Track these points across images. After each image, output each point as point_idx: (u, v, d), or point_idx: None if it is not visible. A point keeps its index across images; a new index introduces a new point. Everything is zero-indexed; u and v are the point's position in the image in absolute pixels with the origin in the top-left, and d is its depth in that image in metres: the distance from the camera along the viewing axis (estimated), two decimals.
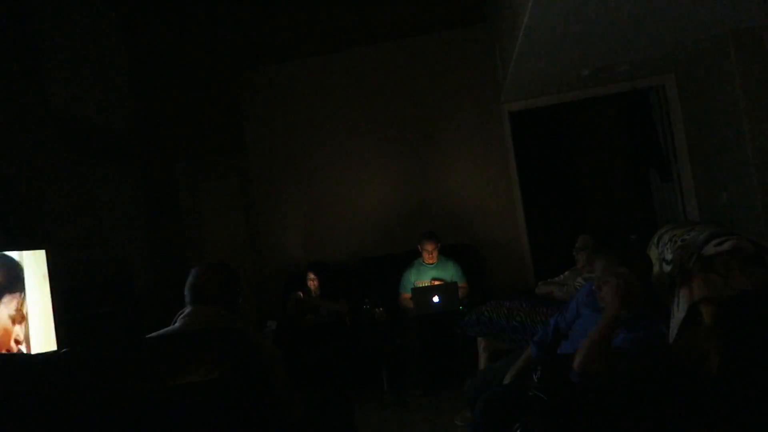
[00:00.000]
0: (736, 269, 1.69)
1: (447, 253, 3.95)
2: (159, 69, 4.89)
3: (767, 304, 1.60)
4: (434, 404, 3.26)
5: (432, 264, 3.84)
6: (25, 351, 2.56)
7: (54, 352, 2.60)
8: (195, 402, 1.23)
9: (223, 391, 1.23)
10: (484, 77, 4.46)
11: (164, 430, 1.25)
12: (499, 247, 4.43)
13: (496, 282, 4.33)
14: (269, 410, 1.40)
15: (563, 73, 3.75)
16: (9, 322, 2.50)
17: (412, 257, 3.96)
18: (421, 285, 3.73)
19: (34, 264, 2.67)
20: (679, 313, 1.79)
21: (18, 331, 2.54)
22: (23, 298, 2.58)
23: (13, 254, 2.59)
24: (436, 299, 3.49)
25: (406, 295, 3.76)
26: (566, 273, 3.20)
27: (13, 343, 2.52)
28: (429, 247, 3.79)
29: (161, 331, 1.60)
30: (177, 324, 1.63)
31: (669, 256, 2.16)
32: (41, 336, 2.67)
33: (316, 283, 3.90)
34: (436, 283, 3.72)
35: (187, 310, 1.66)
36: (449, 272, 3.82)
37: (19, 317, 2.55)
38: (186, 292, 1.70)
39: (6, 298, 2.50)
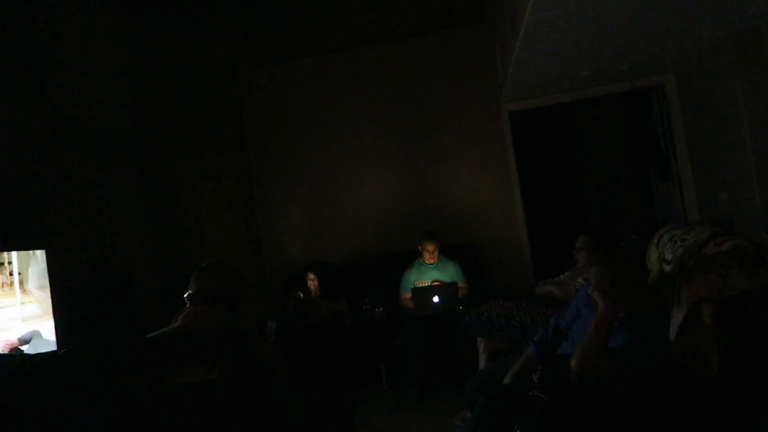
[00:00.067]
0: (736, 269, 1.68)
1: (447, 253, 3.95)
2: (159, 69, 4.89)
3: (767, 304, 1.60)
4: (434, 404, 3.26)
5: (432, 264, 3.84)
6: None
7: (54, 352, 2.60)
8: (195, 402, 1.23)
9: (223, 392, 1.23)
10: (484, 77, 4.45)
11: (164, 430, 1.25)
12: (499, 247, 4.43)
13: (496, 282, 4.33)
14: (269, 410, 1.40)
15: (563, 73, 3.75)
16: None
17: (412, 257, 3.96)
18: (421, 285, 3.73)
19: (33, 264, 2.67)
20: (679, 313, 1.79)
21: None
22: None
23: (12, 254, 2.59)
24: (436, 299, 3.49)
25: (406, 295, 3.76)
26: (566, 273, 3.19)
27: None
28: (429, 246, 3.79)
29: (161, 331, 1.60)
30: (177, 324, 1.63)
31: (669, 256, 2.15)
32: (41, 336, 2.67)
33: (316, 283, 3.90)
34: (436, 283, 3.72)
35: (187, 310, 1.66)
36: (449, 272, 3.82)
37: None
38: (186, 291, 1.70)
39: None
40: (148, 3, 4.66)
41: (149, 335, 1.50)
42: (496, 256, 4.42)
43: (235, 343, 1.34)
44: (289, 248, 4.71)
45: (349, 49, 4.65)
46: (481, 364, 2.94)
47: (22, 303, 2.66)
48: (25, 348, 2.59)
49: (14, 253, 2.63)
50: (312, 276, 3.91)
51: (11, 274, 2.60)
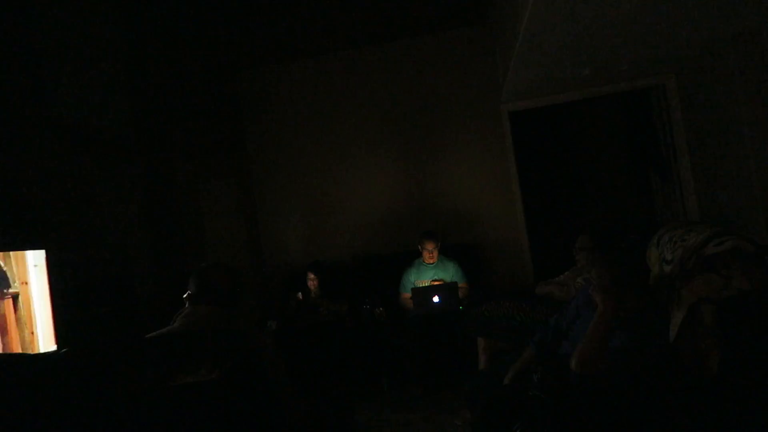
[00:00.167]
0: (736, 269, 1.69)
1: (447, 253, 3.95)
2: (159, 69, 4.89)
3: (767, 304, 1.60)
4: (434, 404, 3.26)
5: (432, 264, 3.84)
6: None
7: (54, 352, 2.60)
8: (195, 402, 1.23)
9: (223, 391, 1.23)
10: (484, 77, 4.46)
11: (164, 430, 1.25)
12: (499, 247, 4.44)
13: (496, 282, 4.33)
14: (269, 410, 1.40)
15: (563, 72, 3.75)
16: None
17: (412, 257, 3.96)
18: (421, 285, 3.74)
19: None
20: (679, 313, 1.79)
21: None
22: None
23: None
24: (436, 299, 3.50)
25: (406, 295, 3.76)
26: (566, 273, 3.20)
27: None
28: (429, 246, 3.79)
29: (161, 331, 1.60)
30: (177, 324, 1.63)
31: (669, 256, 2.15)
32: (41, 336, 2.67)
33: (316, 283, 3.90)
34: (436, 282, 3.73)
35: (187, 310, 1.66)
36: (449, 272, 3.82)
37: None
38: (186, 292, 1.70)
39: None
40: (148, 3, 4.66)
41: (149, 335, 1.50)
42: (496, 256, 4.42)
43: (235, 343, 1.35)
44: (288, 248, 4.71)
45: (349, 50, 4.66)
46: (481, 364, 2.94)
47: None
48: None
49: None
50: (312, 276, 3.91)
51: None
